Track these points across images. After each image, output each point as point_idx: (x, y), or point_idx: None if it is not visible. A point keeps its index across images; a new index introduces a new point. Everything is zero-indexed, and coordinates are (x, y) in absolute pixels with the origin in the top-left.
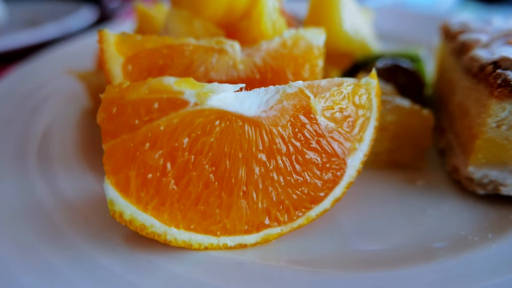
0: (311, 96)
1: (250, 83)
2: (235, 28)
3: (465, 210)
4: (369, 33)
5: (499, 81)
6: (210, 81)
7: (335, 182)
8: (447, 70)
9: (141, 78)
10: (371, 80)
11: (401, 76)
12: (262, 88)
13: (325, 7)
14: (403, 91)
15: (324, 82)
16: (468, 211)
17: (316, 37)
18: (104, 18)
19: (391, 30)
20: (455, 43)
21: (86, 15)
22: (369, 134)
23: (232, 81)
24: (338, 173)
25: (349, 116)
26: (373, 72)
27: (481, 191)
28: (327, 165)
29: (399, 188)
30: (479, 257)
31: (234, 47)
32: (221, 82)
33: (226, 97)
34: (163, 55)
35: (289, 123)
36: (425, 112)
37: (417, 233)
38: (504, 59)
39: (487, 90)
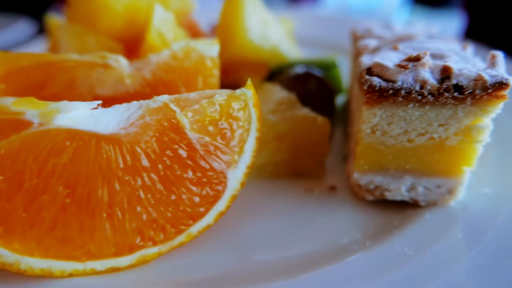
0: (177, 110)
1: (140, 98)
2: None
3: (356, 217)
4: (284, 41)
5: (365, 87)
6: (96, 97)
7: (216, 196)
8: (353, 75)
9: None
10: (247, 91)
11: (311, 84)
12: (125, 104)
13: (231, 18)
14: (312, 99)
15: (193, 94)
16: (358, 218)
17: (208, 48)
18: (43, 31)
19: (316, 37)
20: (355, 46)
21: (22, 29)
22: (250, 146)
23: (120, 96)
24: (219, 187)
25: (225, 128)
26: (249, 82)
27: (369, 197)
28: (204, 180)
29: (295, 197)
30: (347, 266)
31: (119, 61)
32: (108, 98)
33: (79, 116)
34: (42, 73)
35: (153, 139)
36: (320, 120)
37: (303, 243)
38: (376, 65)
39: (361, 96)
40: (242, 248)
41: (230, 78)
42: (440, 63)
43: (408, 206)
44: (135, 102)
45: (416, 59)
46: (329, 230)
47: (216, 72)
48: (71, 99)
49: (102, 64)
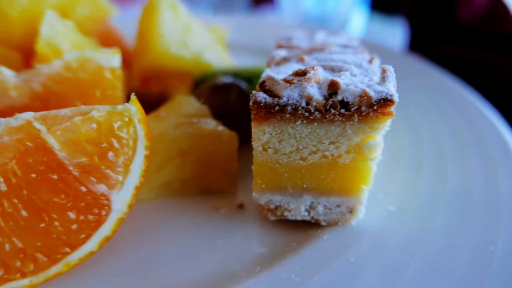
0: (42, 129)
1: (28, 111)
2: None
3: (257, 239)
4: (209, 49)
5: (251, 103)
6: None
7: (98, 221)
8: None
9: None
10: (130, 106)
11: (231, 95)
12: None
13: (147, 25)
14: (232, 111)
15: (65, 111)
16: (259, 240)
17: (107, 58)
18: None
19: (252, 44)
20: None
21: None
22: (137, 165)
23: (5, 110)
24: (102, 211)
25: (105, 148)
26: (133, 97)
27: (272, 217)
28: (81, 204)
29: (199, 217)
30: None
31: (1, 72)
32: None
33: None
34: None
35: (13, 161)
36: (227, 134)
37: (195, 269)
38: (269, 79)
39: None
40: (130, 274)
41: (156, 88)
42: (331, 77)
43: (311, 226)
44: None
45: (303, 73)
46: (226, 254)
47: (118, 84)
48: None
49: None
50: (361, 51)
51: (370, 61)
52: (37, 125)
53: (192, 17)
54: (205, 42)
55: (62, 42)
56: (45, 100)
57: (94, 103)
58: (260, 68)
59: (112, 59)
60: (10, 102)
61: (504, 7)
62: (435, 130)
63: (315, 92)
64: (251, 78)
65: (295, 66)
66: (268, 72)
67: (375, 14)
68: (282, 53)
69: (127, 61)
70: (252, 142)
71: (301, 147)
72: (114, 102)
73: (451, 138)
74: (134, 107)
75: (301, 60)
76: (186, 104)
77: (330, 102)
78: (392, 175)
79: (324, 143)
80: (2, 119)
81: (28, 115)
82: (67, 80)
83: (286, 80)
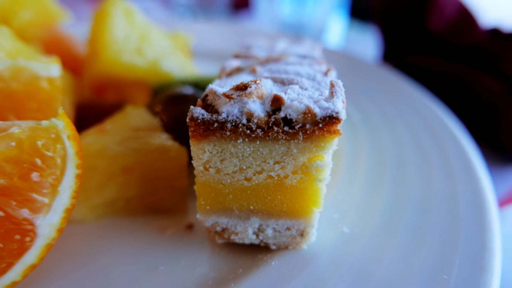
0: None
1: None
2: None
3: (201, 265)
4: (167, 57)
5: (187, 119)
6: None
7: (21, 248)
8: None
9: None
10: (57, 122)
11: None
12: None
13: (98, 31)
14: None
15: None
16: (204, 266)
17: (44, 68)
18: None
19: (219, 52)
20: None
21: None
22: (67, 186)
23: None
24: (26, 238)
25: (27, 168)
26: (61, 111)
27: (220, 240)
28: (0, 231)
29: (144, 239)
30: None
31: None
32: None
33: None
34: None
35: None
36: (175, 150)
37: None
38: (211, 92)
39: None
40: None
41: (112, 97)
42: (276, 92)
43: (261, 250)
44: None
45: (244, 87)
46: (167, 282)
47: (56, 95)
48: None
49: None
50: (320, 62)
51: (326, 73)
52: None
53: (150, 24)
54: (163, 50)
55: None
56: None
57: (29, 116)
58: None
59: (50, 68)
60: None
61: (471, 17)
62: (398, 145)
63: (256, 108)
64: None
65: (244, 78)
66: (212, 85)
67: (354, 22)
68: (235, 63)
69: (78, 69)
70: (192, 161)
71: (244, 167)
72: (53, 115)
73: (414, 154)
74: (62, 122)
75: (253, 71)
76: (135, 117)
77: (273, 119)
78: (348, 194)
79: (268, 163)
80: None
81: None
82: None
83: (226, 95)
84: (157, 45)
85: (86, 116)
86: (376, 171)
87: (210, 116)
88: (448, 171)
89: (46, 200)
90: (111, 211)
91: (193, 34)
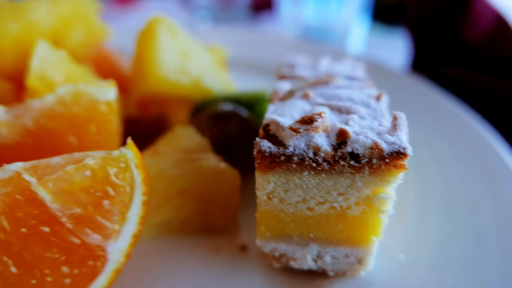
0: (32, 181)
1: (19, 149)
2: None
3: (259, 287)
4: (208, 73)
5: (255, 152)
6: None
7: (93, 273)
8: None
9: None
10: (126, 152)
11: (232, 125)
12: None
13: (145, 51)
14: (233, 142)
15: (57, 159)
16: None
17: (102, 92)
18: None
19: (254, 61)
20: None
21: None
22: (135, 213)
23: None
24: (97, 263)
25: (100, 197)
26: (129, 141)
27: (277, 265)
28: (75, 257)
29: (198, 261)
30: None
31: None
32: None
33: None
34: None
35: (1, 216)
36: (229, 173)
37: None
38: (273, 123)
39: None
40: None
41: (154, 111)
42: (339, 124)
43: (318, 276)
44: None
45: (309, 121)
46: None
47: (113, 118)
48: None
49: None
50: (368, 84)
51: (378, 98)
52: (27, 177)
53: (190, 40)
54: (204, 66)
55: (55, 74)
56: (37, 137)
57: (89, 138)
58: (262, 92)
59: (107, 92)
60: (0, 141)
61: (509, 28)
62: (443, 166)
63: (322, 142)
64: (252, 103)
65: (300, 105)
66: (272, 115)
67: (376, 25)
68: (286, 86)
69: (124, 86)
70: (256, 191)
71: (308, 198)
72: (110, 136)
73: (460, 175)
74: (131, 152)
75: (306, 96)
76: (185, 137)
77: (339, 154)
78: (400, 219)
79: (332, 194)
80: None
81: (17, 166)
82: (60, 116)
83: (292, 129)
84: (199, 61)
85: (130, 130)
86: (424, 196)
87: (277, 150)
88: (499, 197)
89: (116, 227)
90: (166, 231)
91: (224, 42)
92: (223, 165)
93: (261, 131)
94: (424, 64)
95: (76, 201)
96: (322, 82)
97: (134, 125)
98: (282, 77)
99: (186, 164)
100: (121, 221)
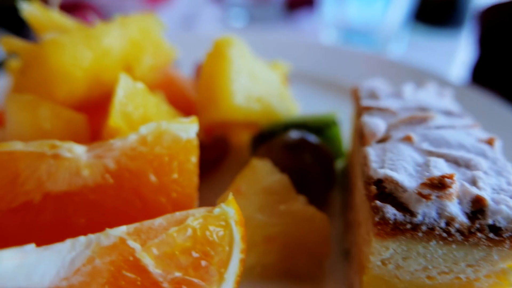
0: (136, 247)
1: (101, 192)
2: (106, 108)
3: None
4: (276, 95)
5: (377, 218)
6: (46, 194)
7: None
8: (352, 148)
9: None
10: (228, 209)
11: (305, 156)
12: (68, 242)
13: (215, 76)
14: (307, 174)
15: (159, 221)
16: None
17: (184, 129)
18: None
19: (315, 73)
20: (357, 123)
21: None
22: (232, 272)
23: (77, 191)
24: None
25: (199, 258)
26: (230, 198)
27: None
28: None
29: None
30: None
31: (73, 151)
32: (61, 194)
33: (2, 271)
34: None
35: (106, 286)
36: (319, 219)
37: None
38: (389, 181)
39: (370, 218)
40: None
41: (215, 134)
42: (471, 188)
43: None
44: (81, 239)
45: (441, 185)
46: None
47: (194, 157)
48: (14, 199)
49: (52, 155)
50: (471, 124)
51: (491, 144)
52: (131, 243)
53: (255, 58)
54: (271, 88)
55: (136, 111)
56: (118, 178)
57: (169, 178)
58: (331, 115)
59: (189, 129)
60: (81, 183)
61: None
62: None
63: (457, 211)
64: (321, 128)
65: (409, 153)
66: (386, 171)
67: (420, 25)
68: (381, 124)
69: (188, 109)
70: (370, 256)
71: (430, 267)
72: (190, 175)
73: None
74: (232, 209)
75: (408, 139)
76: (265, 173)
77: (477, 225)
78: None
79: (460, 265)
80: (92, 237)
81: (121, 231)
82: (142, 156)
83: (421, 195)
84: (266, 82)
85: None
86: None
87: (403, 218)
88: None
89: (216, 287)
90: (248, 276)
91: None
92: (311, 209)
93: (373, 188)
94: (488, 76)
95: (177, 264)
96: (418, 119)
97: (200, 151)
98: (367, 109)
99: (271, 208)
100: (219, 282)
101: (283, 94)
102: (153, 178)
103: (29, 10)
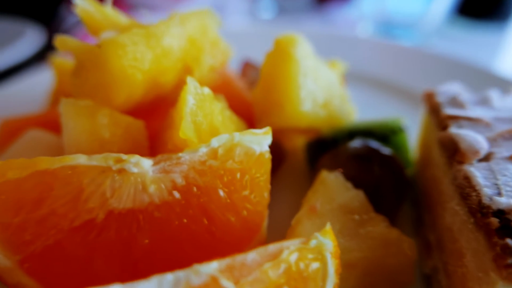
0: (229, 287)
1: (167, 209)
2: (160, 112)
3: None
4: (337, 96)
5: (510, 261)
6: (110, 212)
7: None
8: (432, 161)
9: (4, 219)
10: (325, 241)
11: (376, 168)
12: (154, 280)
13: (279, 80)
14: (379, 188)
15: (252, 256)
16: None
17: (258, 141)
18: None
19: (372, 74)
20: (444, 135)
21: (32, 40)
22: None
23: (142, 209)
24: None
25: None
26: (328, 228)
27: None
28: None
29: None
30: None
31: (140, 165)
32: (124, 211)
33: None
34: (37, 185)
35: None
36: (406, 242)
37: None
38: None
39: (491, 256)
40: None
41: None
42: None
43: None
44: (168, 277)
45: None
46: None
47: (266, 171)
48: (77, 217)
49: (118, 170)
50: None
51: None
52: (224, 282)
53: (316, 57)
54: (334, 92)
55: (205, 120)
56: (185, 194)
57: (239, 195)
58: (396, 121)
59: (263, 141)
60: (147, 200)
61: None
62: None
63: None
64: (387, 135)
65: None
66: (511, 200)
67: (462, 19)
68: (479, 139)
69: (245, 113)
70: None
71: None
72: (260, 191)
73: None
74: (330, 241)
75: None
76: (338, 188)
77: None
78: None
79: None
80: (180, 274)
81: (213, 269)
82: (212, 171)
83: None
84: (328, 84)
85: None
86: None
87: None
88: None
89: None
90: None
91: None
92: (395, 232)
93: (494, 220)
94: None
95: None
96: None
97: None
98: (453, 119)
99: (351, 230)
100: None
101: (343, 97)
102: (222, 194)
103: (83, 6)
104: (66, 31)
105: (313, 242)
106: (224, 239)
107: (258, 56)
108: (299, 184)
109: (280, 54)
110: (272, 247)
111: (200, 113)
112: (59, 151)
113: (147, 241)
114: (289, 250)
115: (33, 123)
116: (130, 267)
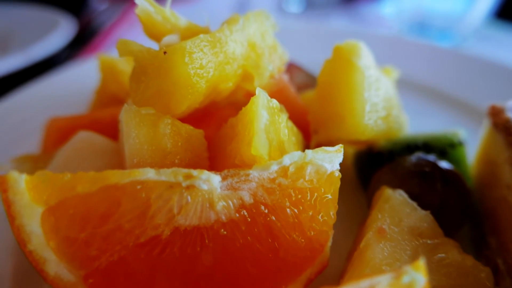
0: None
1: (233, 228)
2: (212, 118)
3: None
4: (395, 107)
5: None
6: (175, 229)
7: None
8: (500, 181)
9: (71, 234)
10: (418, 277)
11: (439, 185)
12: None
13: (340, 91)
14: (442, 207)
15: None
16: None
17: (330, 159)
18: (84, 33)
19: (424, 82)
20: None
21: (64, 32)
22: None
23: (208, 227)
24: None
25: None
26: (421, 263)
27: None
28: None
29: None
30: None
31: (210, 182)
32: (190, 228)
33: None
34: (104, 199)
35: None
36: (485, 273)
37: None
38: None
39: None
40: None
41: None
42: None
43: None
44: None
45: None
46: None
47: (335, 191)
48: (143, 233)
49: (187, 186)
50: None
51: None
52: None
53: (376, 65)
54: (392, 102)
55: (276, 136)
56: (253, 213)
57: (308, 215)
58: (455, 134)
59: (335, 159)
60: (214, 218)
61: None
62: None
63: None
64: (444, 148)
65: None
66: None
67: (500, 22)
68: None
69: (302, 124)
70: None
71: None
72: (328, 211)
73: None
74: (423, 278)
75: None
76: (403, 208)
77: None
78: None
79: None
80: None
81: None
82: (282, 189)
83: None
84: (387, 95)
85: None
86: None
87: None
88: None
89: None
90: None
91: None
92: (470, 259)
93: None
94: None
95: None
96: None
97: None
98: None
99: (424, 257)
100: None
101: (399, 107)
102: (290, 214)
103: (144, 6)
104: (97, 23)
105: (405, 279)
106: (287, 258)
107: (290, 52)
108: (347, 195)
109: (342, 62)
110: (364, 283)
111: (271, 128)
112: (113, 155)
113: (210, 259)
114: (380, 285)
115: (81, 124)
116: (192, 285)
